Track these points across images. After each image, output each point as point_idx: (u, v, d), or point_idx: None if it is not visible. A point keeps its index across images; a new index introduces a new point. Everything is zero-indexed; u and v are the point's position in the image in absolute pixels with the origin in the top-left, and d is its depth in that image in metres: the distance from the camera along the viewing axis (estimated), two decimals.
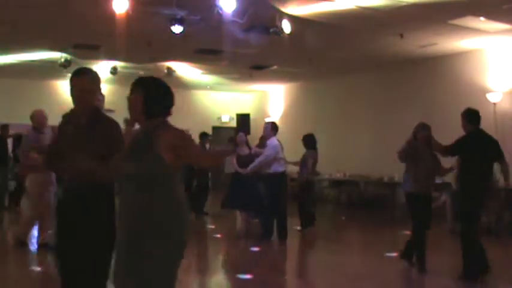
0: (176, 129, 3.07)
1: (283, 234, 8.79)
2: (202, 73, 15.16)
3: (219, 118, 19.23)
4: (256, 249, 8.08)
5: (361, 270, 6.92)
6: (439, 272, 6.52)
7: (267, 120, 16.29)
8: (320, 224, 10.02)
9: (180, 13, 8.89)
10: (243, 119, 17.88)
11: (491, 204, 8.57)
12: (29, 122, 7.60)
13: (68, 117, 3.69)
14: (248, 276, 6.28)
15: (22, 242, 7.68)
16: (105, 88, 17.80)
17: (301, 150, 9.63)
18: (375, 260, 7.44)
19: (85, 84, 3.53)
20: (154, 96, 3.04)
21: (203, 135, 12.23)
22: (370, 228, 10.97)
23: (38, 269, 6.59)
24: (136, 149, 3.04)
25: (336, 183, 14.81)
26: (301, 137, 9.64)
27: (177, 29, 9.11)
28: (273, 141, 8.82)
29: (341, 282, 6.24)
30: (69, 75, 3.63)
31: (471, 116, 6.20)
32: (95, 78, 3.60)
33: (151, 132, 3.01)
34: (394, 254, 7.26)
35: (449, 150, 6.31)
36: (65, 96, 17.82)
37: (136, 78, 3.15)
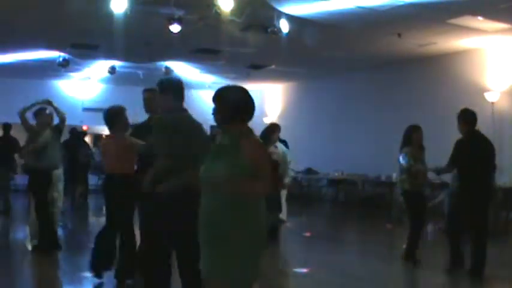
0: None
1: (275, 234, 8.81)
2: (201, 72, 15.16)
3: None
4: None
5: (360, 270, 6.93)
6: (437, 270, 6.54)
7: (265, 119, 16.30)
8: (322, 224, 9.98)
9: (178, 13, 8.89)
10: None
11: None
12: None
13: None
14: None
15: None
16: (103, 88, 17.83)
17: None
18: (374, 260, 7.45)
19: None
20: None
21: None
22: (369, 228, 10.97)
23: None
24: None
25: (334, 182, 14.82)
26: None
27: (175, 28, 9.10)
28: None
29: (341, 282, 6.25)
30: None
31: (467, 116, 6.16)
32: None
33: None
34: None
35: (451, 165, 6.28)
36: (63, 96, 17.63)
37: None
